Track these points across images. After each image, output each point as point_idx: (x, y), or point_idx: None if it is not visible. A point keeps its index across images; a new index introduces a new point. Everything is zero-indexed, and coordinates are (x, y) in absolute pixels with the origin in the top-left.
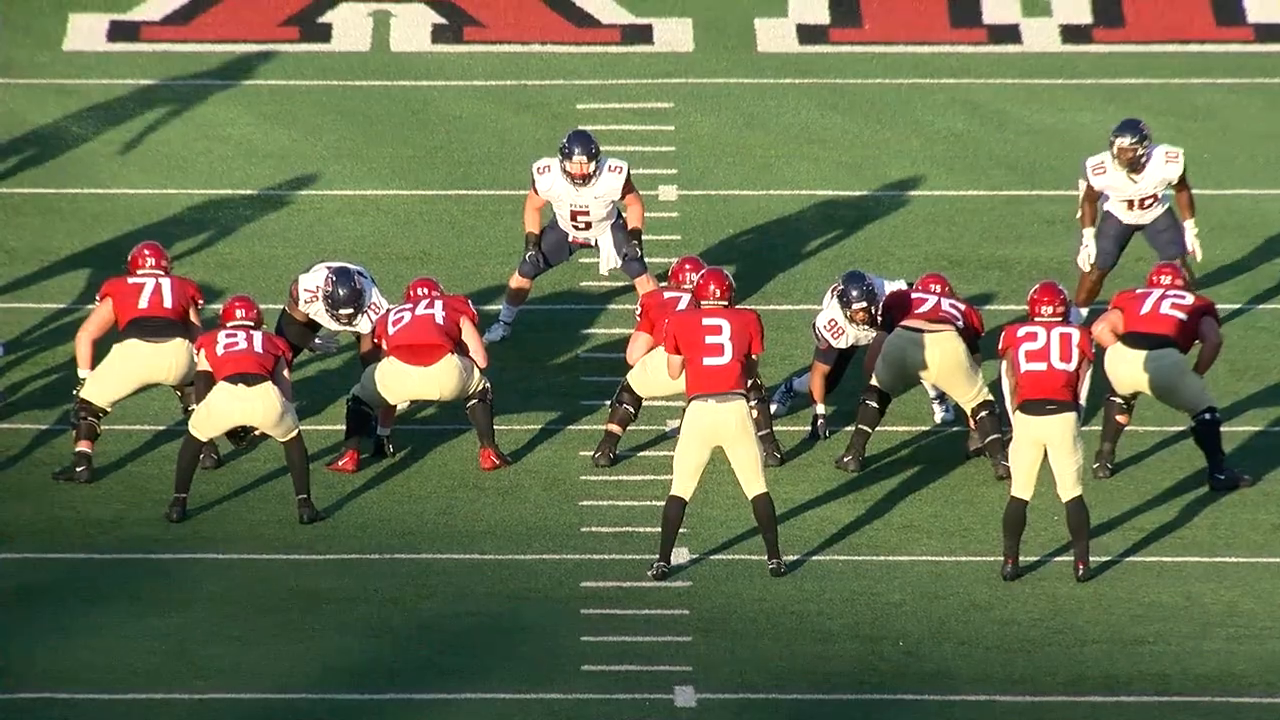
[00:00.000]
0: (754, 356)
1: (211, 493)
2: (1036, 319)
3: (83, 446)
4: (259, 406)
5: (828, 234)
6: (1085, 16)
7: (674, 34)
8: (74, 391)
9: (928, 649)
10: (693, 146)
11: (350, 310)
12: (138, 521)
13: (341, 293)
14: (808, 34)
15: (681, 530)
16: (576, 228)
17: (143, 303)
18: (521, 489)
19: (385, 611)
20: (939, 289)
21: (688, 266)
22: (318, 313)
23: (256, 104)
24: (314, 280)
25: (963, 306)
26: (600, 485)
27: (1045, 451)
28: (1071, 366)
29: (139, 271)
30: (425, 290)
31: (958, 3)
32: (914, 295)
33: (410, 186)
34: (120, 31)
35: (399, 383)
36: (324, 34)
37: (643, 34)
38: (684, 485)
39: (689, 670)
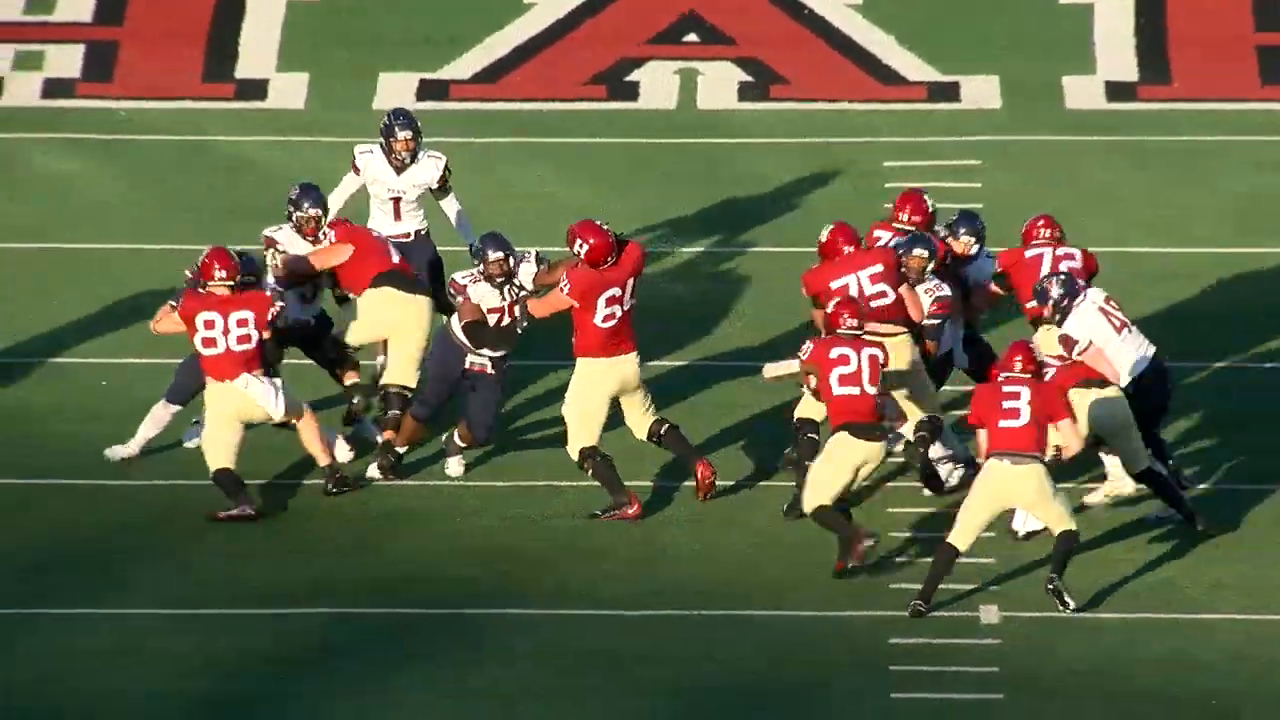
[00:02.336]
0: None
1: (518, 547)
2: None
3: (386, 435)
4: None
5: (1136, 290)
6: None
7: (981, 91)
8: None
9: (1240, 710)
10: (1000, 204)
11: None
12: (443, 579)
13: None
14: (1116, 91)
15: (992, 587)
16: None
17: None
18: (827, 544)
19: (694, 670)
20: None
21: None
22: (481, 293)
23: (562, 161)
24: (465, 275)
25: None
26: (909, 543)
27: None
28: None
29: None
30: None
31: (1269, 59)
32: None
33: (712, 243)
34: (429, 90)
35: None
36: (631, 92)
37: (949, 91)
38: (963, 538)
39: None
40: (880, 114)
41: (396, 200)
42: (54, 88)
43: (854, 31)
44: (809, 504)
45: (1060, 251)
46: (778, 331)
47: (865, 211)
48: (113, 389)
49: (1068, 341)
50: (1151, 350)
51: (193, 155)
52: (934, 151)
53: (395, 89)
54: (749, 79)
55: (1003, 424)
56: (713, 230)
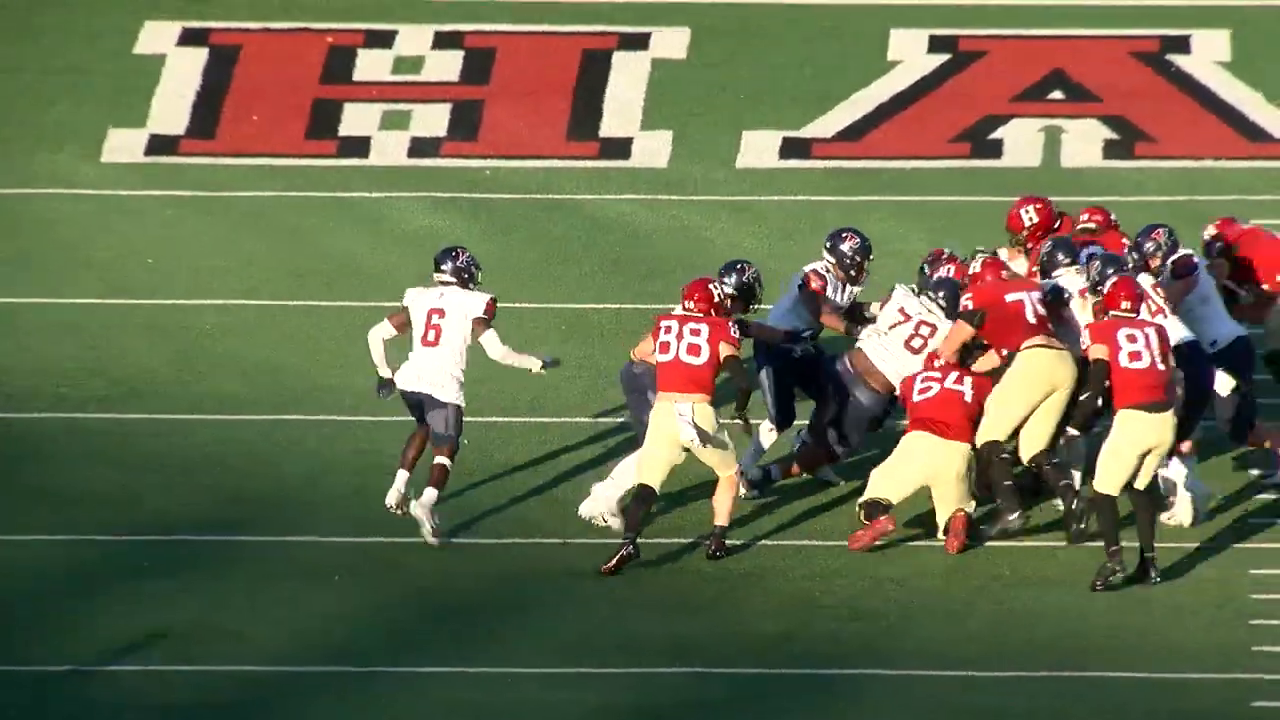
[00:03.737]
0: None
1: (880, 608)
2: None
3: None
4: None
5: None
6: None
7: None
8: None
9: None
10: None
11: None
12: (809, 637)
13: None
14: None
15: None
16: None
17: None
18: (1190, 605)
19: None
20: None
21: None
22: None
23: (925, 219)
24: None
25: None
26: (1272, 605)
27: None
28: None
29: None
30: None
31: None
32: None
33: None
34: (792, 149)
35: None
36: (995, 150)
37: None
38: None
39: None
40: (1247, 171)
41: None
42: (420, 146)
43: (1220, 88)
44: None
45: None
46: None
47: None
48: (477, 445)
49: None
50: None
51: (556, 213)
52: None
53: (758, 146)
54: (1114, 136)
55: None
56: None
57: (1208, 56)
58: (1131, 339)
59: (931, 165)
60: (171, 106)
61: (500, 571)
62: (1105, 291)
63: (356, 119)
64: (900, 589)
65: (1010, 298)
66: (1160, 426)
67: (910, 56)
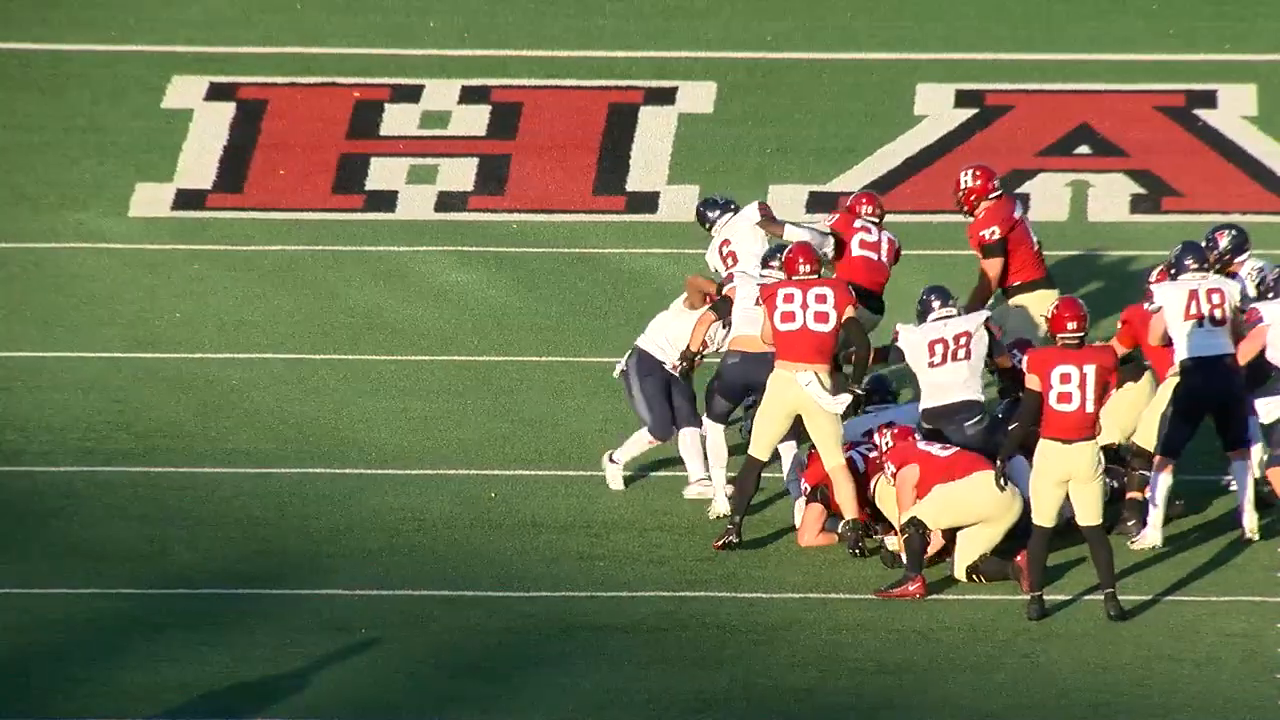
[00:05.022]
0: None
1: (906, 660)
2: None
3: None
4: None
5: None
6: None
7: None
8: None
9: None
10: None
11: None
12: (834, 690)
13: None
14: None
15: None
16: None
17: None
18: (1219, 660)
19: None
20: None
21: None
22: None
23: (954, 274)
24: None
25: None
26: None
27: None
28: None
29: None
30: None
31: None
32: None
33: None
34: (818, 201)
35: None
36: (1022, 204)
37: None
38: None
39: None
40: (1275, 226)
41: None
42: (447, 200)
43: (1248, 143)
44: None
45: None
46: None
47: None
48: (505, 499)
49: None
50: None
51: (583, 266)
52: None
53: (785, 199)
54: (1141, 191)
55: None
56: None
57: (1234, 111)
58: (1065, 378)
59: (959, 220)
60: (199, 161)
61: (526, 625)
62: (1050, 315)
63: (383, 173)
64: (926, 642)
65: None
66: (1074, 456)
67: (937, 111)
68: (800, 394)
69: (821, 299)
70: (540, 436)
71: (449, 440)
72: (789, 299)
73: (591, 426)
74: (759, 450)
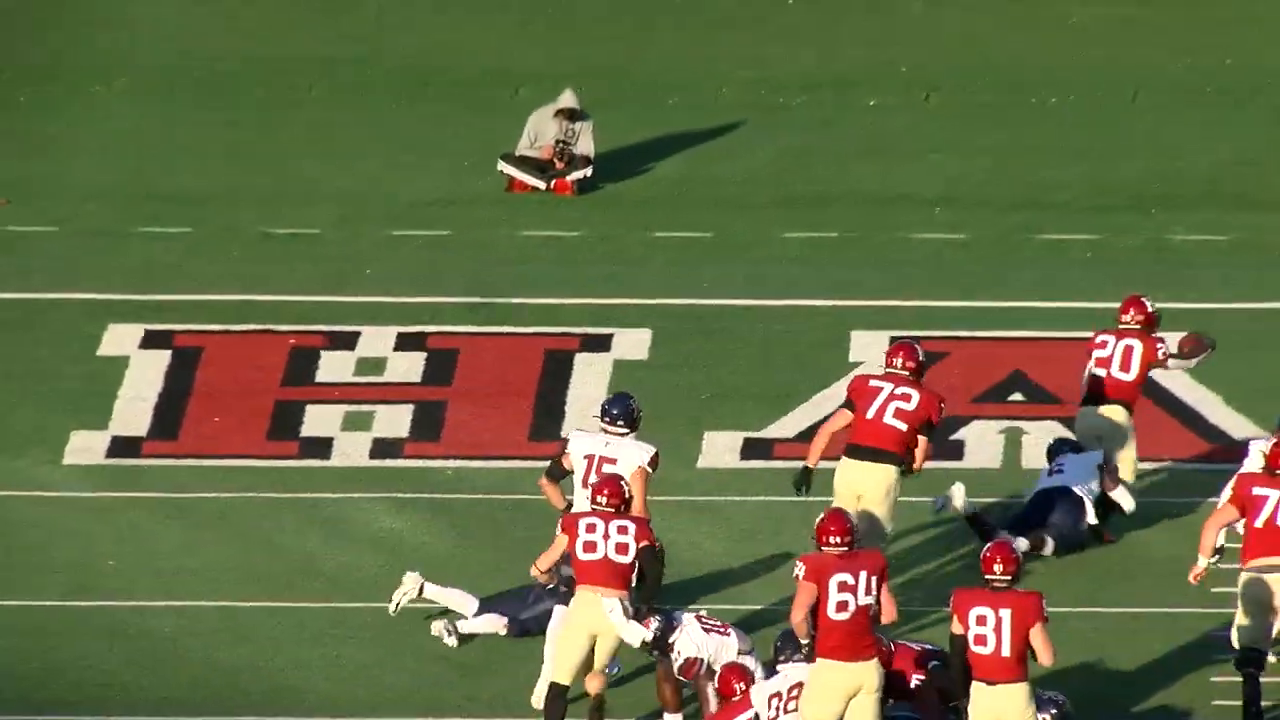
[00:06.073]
0: None
1: None
2: None
3: None
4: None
5: None
6: None
7: None
8: None
9: None
10: None
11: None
12: None
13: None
14: None
15: None
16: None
17: None
18: None
19: None
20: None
21: None
22: None
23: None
24: None
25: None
26: None
27: None
28: None
29: None
30: None
31: None
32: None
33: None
34: (753, 449)
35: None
36: (956, 452)
37: None
38: None
39: None
40: (1210, 473)
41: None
42: (382, 447)
43: (1181, 391)
44: None
45: None
46: None
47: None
48: None
49: None
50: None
51: (518, 513)
52: None
53: (719, 446)
54: (1074, 438)
55: None
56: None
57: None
58: (981, 620)
59: None
60: (134, 408)
61: None
62: (982, 556)
63: (319, 420)
64: None
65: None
66: (1001, 698)
67: (871, 357)
68: (603, 620)
69: (623, 530)
70: (476, 684)
71: (384, 687)
72: (591, 529)
73: (527, 669)
74: (561, 674)
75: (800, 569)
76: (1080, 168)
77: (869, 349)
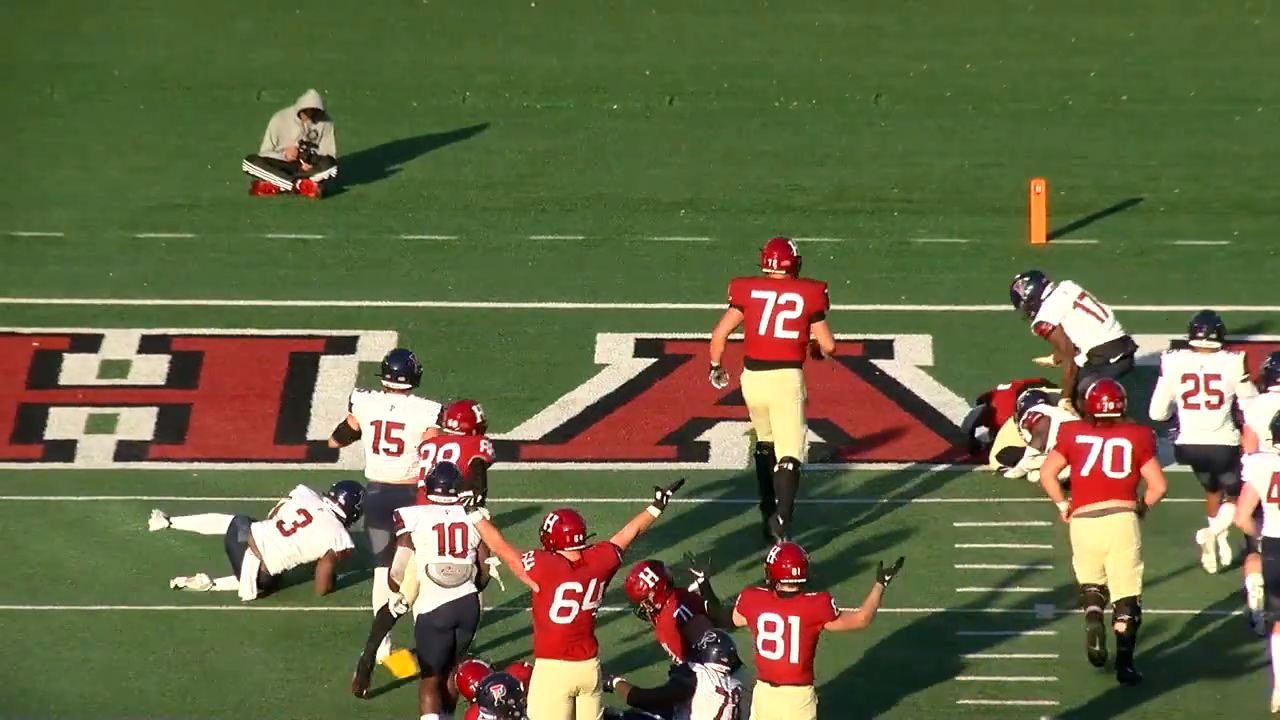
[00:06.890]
0: None
1: None
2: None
3: None
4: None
5: None
6: None
7: None
8: None
9: None
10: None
11: None
12: None
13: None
14: None
15: None
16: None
17: None
18: None
19: None
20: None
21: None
22: None
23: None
24: None
25: None
26: None
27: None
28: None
29: None
30: None
31: None
32: None
33: None
34: (501, 451)
35: None
36: (703, 452)
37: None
38: None
39: None
40: (955, 472)
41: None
42: (127, 450)
43: (924, 392)
44: None
45: None
46: None
47: (934, 569)
48: None
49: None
50: None
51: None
52: (1003, 512)
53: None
54: (820, 440)
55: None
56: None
57: (910, 360)
58: (770, 626)
59: (639, 467)
60: None
61: None
62: (770, 561)
63: (62, 423)
64: None
65: None
66: (781, 700)
67: (617, 360)
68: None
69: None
70: (222, 688)
71: (130, 690)
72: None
73: (272, 676)
74: None
75: (529, 563)
76: (823, 171)
77: (614, 351)
